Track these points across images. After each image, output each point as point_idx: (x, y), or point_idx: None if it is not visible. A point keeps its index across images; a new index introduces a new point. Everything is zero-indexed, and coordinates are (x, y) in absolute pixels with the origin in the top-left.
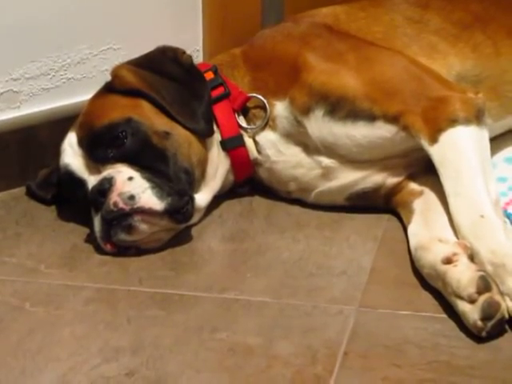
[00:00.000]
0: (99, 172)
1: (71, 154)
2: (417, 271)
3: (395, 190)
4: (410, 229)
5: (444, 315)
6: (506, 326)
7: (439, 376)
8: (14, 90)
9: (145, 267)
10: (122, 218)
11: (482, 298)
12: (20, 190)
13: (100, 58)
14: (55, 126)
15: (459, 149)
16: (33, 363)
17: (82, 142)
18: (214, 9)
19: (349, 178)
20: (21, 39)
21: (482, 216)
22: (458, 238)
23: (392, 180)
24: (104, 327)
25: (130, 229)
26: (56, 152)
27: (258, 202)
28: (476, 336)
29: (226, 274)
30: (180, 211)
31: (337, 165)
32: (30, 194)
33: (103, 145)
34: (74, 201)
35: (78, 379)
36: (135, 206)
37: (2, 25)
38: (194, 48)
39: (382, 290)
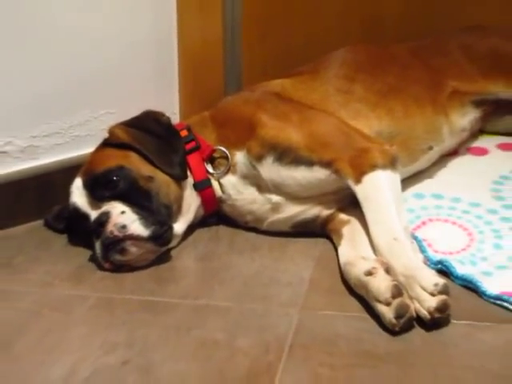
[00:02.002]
0: (99, 208)
1: (78, 195)
2: (346, 282)
3: (328, 219)
4: (340, 249)
5: (367, 315)
6: (414, 323)
7: (362, 361)
8: (34, 144)
9: (135, 281)
10: (116, 243)
11: (396, 302)
12: (38, 223)
13: (99, 120)
14: (65, 172)
15: (378, 188)
16: (49, 356)
17: (85, 185)
18: (187, 82)
19: (293, 211)
20: (38, 106)
21: (395, 239)
22: (376, 255)
23: (326, 212)
24: (104, 327)
25: (122, 251)
26: (66, 192)
27: (223, 229)
28: (391, 331)
29: (199, 285)
30: (161, 237)
31: (283, 201)
32: (47, 225)
33: (102, 186)
34: (80, 230)
35: (85, 367)
36: (127, 234)
37: (24, 95)
38: (172, 111)
39: (319, 296)
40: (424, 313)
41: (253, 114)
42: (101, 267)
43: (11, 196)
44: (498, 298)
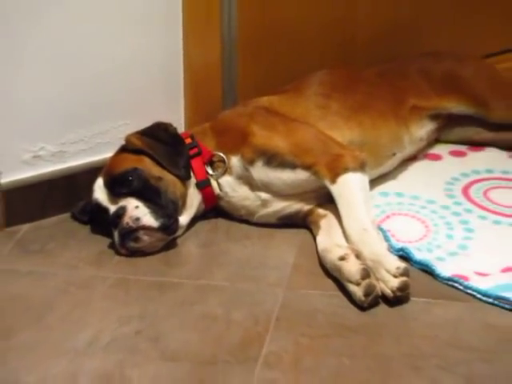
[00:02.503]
0: (116, 203)
1: (99, 192)
2: (323, 265)
3: (309, 213)
4: (318, 238)
5: (340, 293)
6: (380, 300)
7: (336, 332)
8: (63, 150)
9: (147, 264)
10: (131, 233)
11: (364, 282)
12: (66, 215)
13: (117, 130)
14: (89, 173)
15: (350, 187)
16: (75, 326)
17: (105, 184)
18: (191, 98)
19: (279, 206)
20: (67, 117)
21: (365, 230)
22: (348, 244)
23: (307, 207)
24: (120, 303)
25: (136, 239)
26: (89, 190)
27: (221, 221)
28: (361, 307)
29: (200, 268)
30: (169, 228)
31: (271, 198)
32: (73, 217)
33: (119, 185)
34: (101, 221)
35: (104, 336)
36: (140, 225)
37: (55, 109)
38: (178, 122)
39: (300, 277)
40: (388, 291)
41: (246, 125)
42: (118, 252)
43: (43, 193)
44: (449, 279)
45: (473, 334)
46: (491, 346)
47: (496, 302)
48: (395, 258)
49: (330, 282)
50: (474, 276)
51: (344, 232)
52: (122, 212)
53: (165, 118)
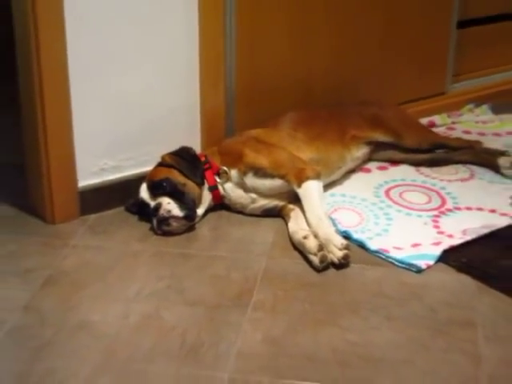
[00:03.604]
0: (155, 200)
1: (143, 192)
2: (292, 242)
3: (282, 208)
4: (289, 225)
5: (304, 261)
6: (330, 266)
7: (301, 287)
8: (120, 165)
9: (175, 241)
10: (164, 220)
11: (320, 254)
12: (121, 209)
13: (156, 151)
14: (137, 180)
15: (310, 190)
16: (125, 283)
17: (148, 187)
18: (205, 130)
19: (262, 202)
20: (123, 142)
21: (320, 219)
22: (309, 228)
23: (281, 203)
24: (157, 267)
25: (168, 224)
26: (137, 191)
27: (224, 213)
28: (317, 270)
29: (210, 244)
30: (190, 217)
31: (257, 197)
32: (126, 209)
33: (156, 188)
34: (144, 212)
35: (145, 289)
36: (170, 215)
37: (115, 136)
38: (197, 147)
39: (277, 250)
40: (335, 260)
41: (241, 149)
42: (155, 233)
43: (106, 193)
44: (376, 251)
45: (391, 288)
46: (404, 296)
47: (407, 267)
48: (340, 237)
49: (296, 253)
50: (392, 249)
51: (306, 220)
52: (158, 206)
53: (187, 143)
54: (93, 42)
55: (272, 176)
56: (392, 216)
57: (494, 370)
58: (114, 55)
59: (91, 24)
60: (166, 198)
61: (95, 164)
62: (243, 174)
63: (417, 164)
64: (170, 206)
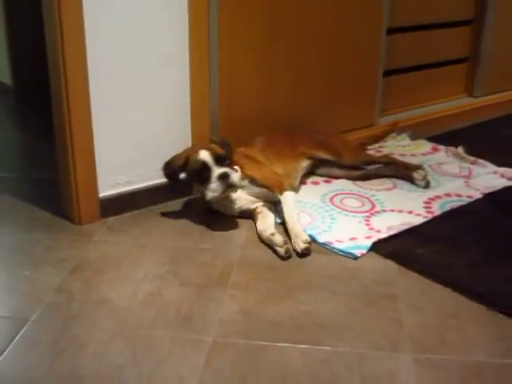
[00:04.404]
0: (219, 167)
1: (208, 158)
2: (261, 239)
3: (253, 210)
4: (257, 224)
5: (270, 252)
6: (294, 255)
7: (268, 270)
8: (131, 180)
9: (172, 236)
10: (228, 186)
11: (285, 246)
12: (133, 213)
13: (158, 170)
14: (144, 191)
15: (288, 199)
16: (136, 268)
17: (213, 157)
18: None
19: (239, 205)
20: (133, 162)
21: (294, 220)
22: (286, 225)
23: (253, 207)
24: (159, 257)
25: (227, 188)
26: (147, 201)
27: (210, 217)
28: (282, 259)
29: (198, 239)
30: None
31: (238, 199)
32: (167, 175)
33: (222, 160)
34: (196, 176)
35: (151, 273)
36: (234, 182)
37: (127, 157)
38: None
39: (249, 243)
40: (299, 250)
41: (239, 161)
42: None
43: (121, 201)
44: (324, 243)
45: (335, 271)
46: (344, 277)
47: (346, 255)
48: (306, 235)
49: (264, 245)
50: (335, 242)
51: (284, 219)
52: (227, 174)
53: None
54: (110, 87)
55: (261, 186)
56: (335, 217)
57: (412, 332)
58: (128, 97)
59: (109, 73)
60: (229, 169)
61: (112, 179)
62: (241, 179)
63: (353, 178)
64: (234, 176)
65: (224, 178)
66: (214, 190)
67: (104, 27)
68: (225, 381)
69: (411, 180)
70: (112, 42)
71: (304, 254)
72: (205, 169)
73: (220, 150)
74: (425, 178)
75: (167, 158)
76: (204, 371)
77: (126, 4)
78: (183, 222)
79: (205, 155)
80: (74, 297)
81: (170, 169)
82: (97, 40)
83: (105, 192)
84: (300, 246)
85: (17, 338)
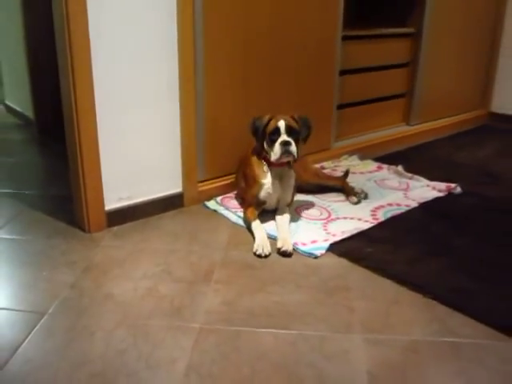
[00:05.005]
0: (287, 136)
1: (282, 127)
2: (241, 241)
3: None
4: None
5: (247, 253)
6: (278, 256)
7: (247, 268)
8: (131, 195)
9: (166, 241)
10: (287, 152)
11: (260, 249)
12: (133, 223)
13: (154, 187)
14: (144, 205)
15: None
16: (136, 268)
17: (286, 126)
18: (184, 165)
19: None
20: (134, 181)
21: (288, 230)
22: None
23: None
24: (155, 258)
25: (288, 150)
26: (152, 214)
27: (198, 224)
28: (260, 257)
29: (188, 243)
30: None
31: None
32: (254, 122)
33: (292, 131)
34: (267, 136)
35: (148, 272)
36: (290, 148)
37: (128, 177)
38: (178, 182)
39: (231, 246)
40: (284, 251)
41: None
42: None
43: (124, 213)
44: (304, 251)
45: (299, 268)
46: (307, 273)
47: (309, 255)
48: (291, 242)
49: (242, 247)
50: (300, 244)
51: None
52: (290, 143)
53: (174, 178)
54: (114, 119)
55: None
56: (299, 223)
57: (362, 317)
58: (129, 128)
59: (113, 108)
60: (292, 140)
61: (116, 195)
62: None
63: (313, 192)
64: (293, 147)
65: (286, 144)
66: (275, 152)
67: (109, 72)
68: (210, 360)
69: (348, 198)
70: (116, 84)
71: (287, 255)
72: (276, 132)
73: (294, 124)
74: (357, 203)
75: (161, 177)
76: (192, 353)
77: (129, 52)
78: (175, 229)
79: (281, 123)
80: (84, 292)
81: (255, 123)
82: (103, 81)
83: (110, 206)
84: (289, 247)
85: (36, 327)
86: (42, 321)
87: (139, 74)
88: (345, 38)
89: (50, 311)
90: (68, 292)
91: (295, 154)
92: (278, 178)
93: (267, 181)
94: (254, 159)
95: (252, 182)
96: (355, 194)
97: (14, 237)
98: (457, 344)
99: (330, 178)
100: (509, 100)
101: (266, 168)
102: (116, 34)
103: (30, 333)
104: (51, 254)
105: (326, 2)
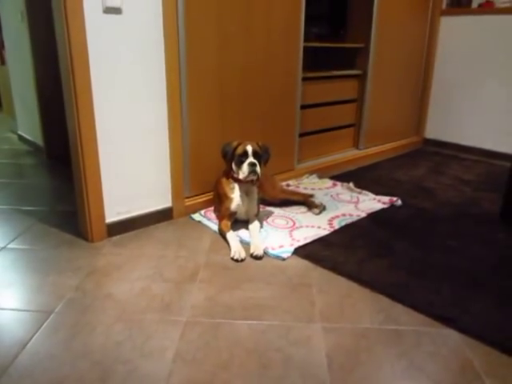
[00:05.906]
0: (253, 158)
1: (250, 149)
2: (221, 246)
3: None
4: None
5: (226, 257)
6: (251, 259)
7: (225, 269)
8: (130, 209)
9: (157, 248)
10: (252, 172)
11: (238, 253)
12: (132, 233)
13: (148, 202)
14: (142, 217)
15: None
16: (133, 271)
17: (253, 150)
18: (173, 179)
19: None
20: (133, 198)
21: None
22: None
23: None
24: (149, 262)
25: (255, 170)
26: (145, 223)
27: (187, 232)
28: (237, 261)
29: (176, 249)
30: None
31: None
32: (223, 153)
33: (257, 154)
34: (235, 159)
35: (143, 274)
36: (255, 168)
37: (127, 193)
38: (167, 198)
39: (211, 251)
40: (255, 255)
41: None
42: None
43: (123, 225)
44: (273, 254)
45: (269, 268)
46: (275, 272)
47: (277, 257)
48: (263, 247)
49: (223, 252)
50: (270, 248)
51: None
52: (255, 164)
53: (163, 196)
54: (113, 147)
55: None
56: (269, 231)
57: (321, 309)
58: (126, 154)
59: (112, 138)
60: (256, 162)
61: (115, 209)
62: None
63: (281, 205)
64: (258, 168)
65: (253, 165)
66: (243, 171)
67: (108, 110)
68: (195, 348)
69: (311, 210)
70: (114, 119)
71: (259, 258)
72: (245, 155)
73: (258, 149)
74: (318, 213)
75: (154, 194)
76: (180, 342)
77: (125, 94)
78: (166, 238)
79: (249, 147)
80: (87, 293)
81: (225, 148)
82: (104, 117)
83: (110, 219)
84: (260, 251)
85: (44, 325)
86: (50, 319)
87: (135, 111)
88: (304, 79)
89: (57, 310)
90: (73, 293)
91: (259, 173)
92: (245, 192)
93: (236, 195)
94: (224, 180)
95: (224, 197)
96: (316, 206)
97: (25, 247)
98: (399, 331)
99: (294, 193)
100: (439, 128)
101: (232, 185)
102: (115, 81)
103: (38, 329)
104: (58, 261)
105: (289, 52)
